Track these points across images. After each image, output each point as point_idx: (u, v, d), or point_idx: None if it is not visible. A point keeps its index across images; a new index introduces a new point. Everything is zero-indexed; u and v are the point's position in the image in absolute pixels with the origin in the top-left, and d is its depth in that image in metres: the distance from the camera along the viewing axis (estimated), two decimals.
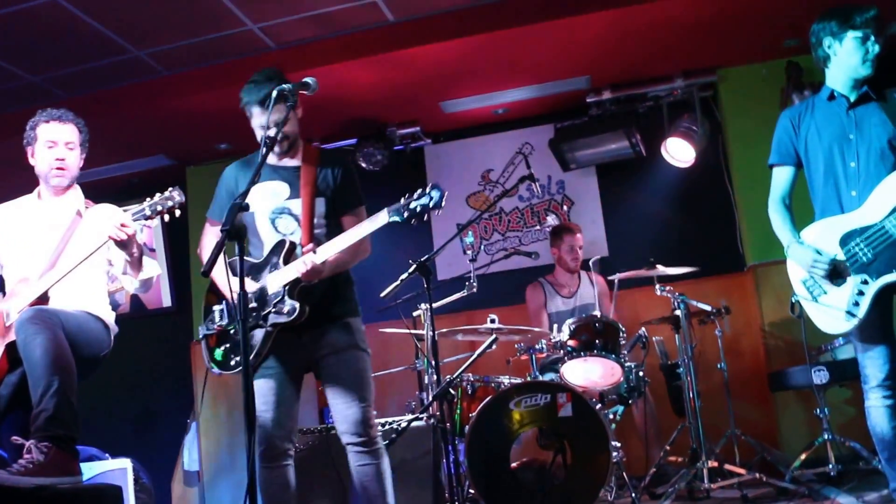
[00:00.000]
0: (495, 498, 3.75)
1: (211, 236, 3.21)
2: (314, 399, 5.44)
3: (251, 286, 2.96)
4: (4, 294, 3.20)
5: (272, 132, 2.86)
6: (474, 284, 4.40)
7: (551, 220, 5.84)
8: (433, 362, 3.72)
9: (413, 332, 4.60)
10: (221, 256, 2.44)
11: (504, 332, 4.29)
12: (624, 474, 4.00)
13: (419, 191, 2.80)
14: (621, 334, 4.31)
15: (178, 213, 2.96)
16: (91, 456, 4.28)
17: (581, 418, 3.79)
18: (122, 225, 2.91)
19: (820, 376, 4.13)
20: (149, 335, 6.34)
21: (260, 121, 2.98)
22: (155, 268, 3.29)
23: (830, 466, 4.04)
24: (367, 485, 2.94)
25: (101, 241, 2.96)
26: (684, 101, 5.59)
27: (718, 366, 4.58)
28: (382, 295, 4.41)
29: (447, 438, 3.65)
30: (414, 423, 3.82)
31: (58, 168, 3.22)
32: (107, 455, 4.38)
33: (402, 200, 2.82)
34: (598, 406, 3.95)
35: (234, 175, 3.17)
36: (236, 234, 2.48)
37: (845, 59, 2.96)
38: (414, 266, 3.87)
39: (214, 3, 4.41)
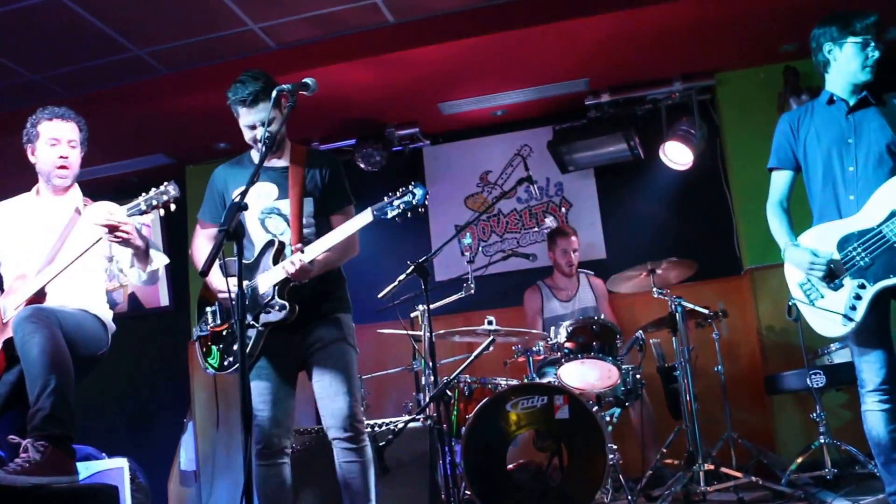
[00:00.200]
0: (491, 499, 3.75)
1: (203, 238, 3.23)
2: (310, 399, 5.42)
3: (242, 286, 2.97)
4: (2, 291, 3.21)
5: (273, 129, 2.88)
6: (472, 286, 4.40)
7: (549, 222, 5.84)
8: (430, 363, 3.72)
9: (410, 333, 4.60)
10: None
11: (501, 333, 4.30)
12: (620, 477, 4.00)
13: (402, 189, 2.85)
14: (618, 337, 4.32)
15: (173, 207, 2.96)
16: (88, 455, 4.27)
17: (578, 420, 3.79)
18: (114, 227, 2.92)
19: (816, 380, 4.13)
20: (146, 334, 6.34)
21: (246, 120, 3.00)
22: (162, 259, 3.29)
23: (826, 470, 4.04)
24: (350, 481, 2.97)
25: (96, 239, 2.97)
26: (682, 104, 5.60)
27: (715, 369, 4.59)
28: (380, 296, 4.42)
29: (444, 440, 3.65)
30: (411, 425, 3.82)
31: (61, 167, 3.22)
32: (103, 454, 4.38)
33: (386, 199, 2.86)
34: (595, 408, 3.96)
35: (223, 176, 3.18)
36: (235, 233, 2.49)
37: (845, 64, 2.96)
38: (412, 267, 3.87)
39: (215, 3, 4.41)
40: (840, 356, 4.37)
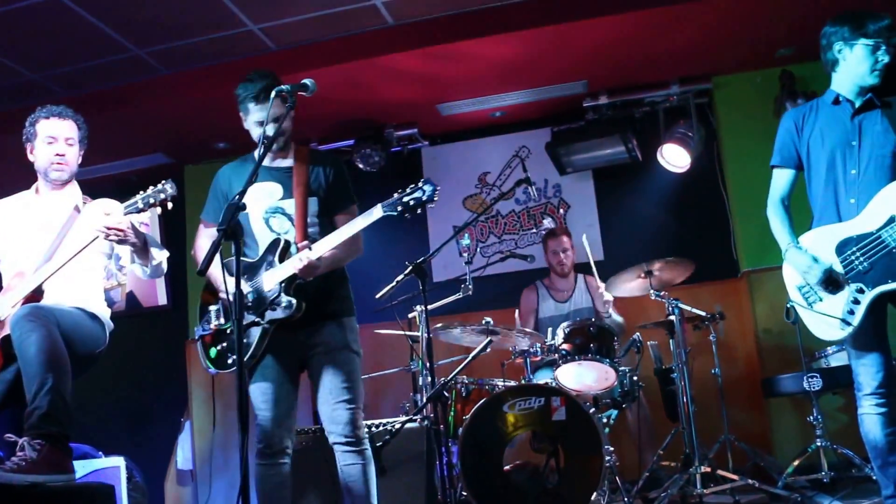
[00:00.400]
0: (488, 500, 3.75)
1: (205, 238, 3.23)
2: (309, 400, 5.42)
3: (247, 285, 2.98)
4: (0, 289, 3.20)
5: (270, 130, 2.89)
6: (470, 287, 4.40)
7: (547, 223, 5.85)
8: (427, 364, 3.73)
9: (408, 333, 4.60)
10: (217, 256, 2.46)
11: (499, 334, 4.30)
12: (617, 478, 4.00)
13: (412, 185, 2.87)
14: (615, 338, 4.33)
15: (170, 205, 2.97)
16: (84, 454, 4.27)
17: (575, 422, 3.79)
18: (111, 228, 2.92)
19: (813, 383, 4.14)
20: (144, 333, 6.33)
21: (255, 117, 3.01)
22: (162, 253, 3.30)
23: (823, 473, 4.05)
24: (352, 485, 2.96)
25: (93, 237, 2.97)
26: (680, 107, 5.61)
27: (712, 371, 4.59)
28: (378, 296, 4.42)
29: (441, 440, 3.65)
30: (408, 425, 3.83)
31: (57, 162, 3.22)
32: (100, 453, 4.37)
33: (396, 195, 2.88)
34: (592, 410, 3.95)
35: (227, 177, 3.19)
36: (233, 233, 2.49)
37: (854, 66, 2.95)
38: (410, 268, 3.87)
39: (216, 4, 4.42)
40: (837, 359, 4.38)
